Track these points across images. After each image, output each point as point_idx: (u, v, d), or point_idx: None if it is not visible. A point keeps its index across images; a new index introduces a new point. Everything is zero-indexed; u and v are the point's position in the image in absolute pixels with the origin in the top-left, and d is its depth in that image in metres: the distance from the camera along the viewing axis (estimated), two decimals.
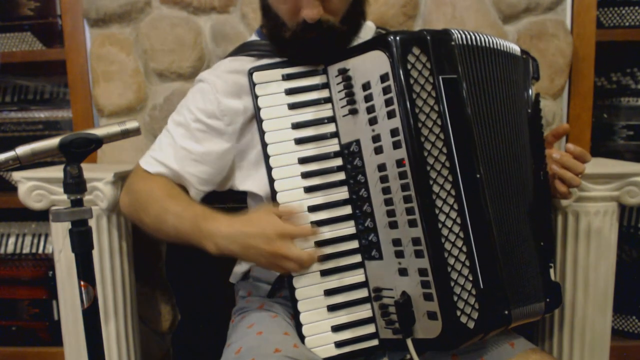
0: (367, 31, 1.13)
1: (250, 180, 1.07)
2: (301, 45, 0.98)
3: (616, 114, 1.71)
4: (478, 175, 0.91)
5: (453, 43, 0.91)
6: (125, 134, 0.87)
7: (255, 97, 0.97)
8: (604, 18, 1.66)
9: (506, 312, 0.91)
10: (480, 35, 0.96)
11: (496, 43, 0.98)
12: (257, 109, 0.97)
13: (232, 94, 1.04)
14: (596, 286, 1.34)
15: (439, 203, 0.86)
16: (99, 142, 0.85)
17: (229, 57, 1.13)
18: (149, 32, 1.53)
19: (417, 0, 1.54)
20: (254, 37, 1.13)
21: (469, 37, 0.94)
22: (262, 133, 0.97)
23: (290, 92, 0.98)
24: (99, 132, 0.85)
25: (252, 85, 0.97)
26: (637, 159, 1.67)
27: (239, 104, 1.04)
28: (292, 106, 0.98)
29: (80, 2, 1.54)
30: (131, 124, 0.88)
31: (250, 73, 0.98)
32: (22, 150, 0.80)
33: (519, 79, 1.02)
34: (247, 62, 1.07)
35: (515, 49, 1.03)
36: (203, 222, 0.95)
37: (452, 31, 0.92)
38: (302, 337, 0.94)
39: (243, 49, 1.12)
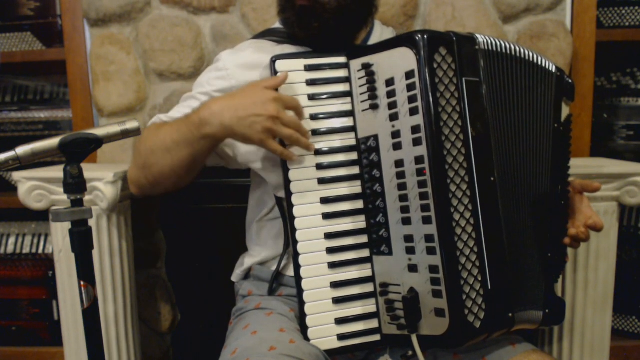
0: (384, 30, 1.15)
1: (256, 158, 1.06)
2: (312, 33, 1.00)
3: (616, 114, 1.71)
4: (492, 179, 0.92)
5: (477, 47, 0.93)
6: (125, 134, 0.87)
7: None
8: (604, 18, 1.65)
9: (510, 314, 0.92)
10: (506, 43, 0.96)
11: (521, 52, 0.98)
12: None
13: (250, 68, 1.05)
14: (596, 286, 1.34)
15: (454, 202, 0.87)
16: (99, 142, 0.85)
17: (252, 39, 1.15)
18: (149, 32, 1.53)
19: (418, 1, 1.54)
20: (277, 25, 1.14)
21: (493, 43, 0.94)
22: None
23: (311, 83, 0.98)
24: (99, 132, 0.85)
25: (274, 73, 0.97)
26: (637, 159, 1.67)
27: (256, 77, 1.04)
28: (312, 97, 0.98)
29: (80, 2, 1.54)
30: (131, 124, 0.88)
31: (273, 61, 0.97)
32: (22, 150, 0.80)
33: (546, 92, 1.02)
34: (269, 45, 1.09)
35: (548, 63, 1.02)
36: (194, 115, 0.96)
37: (477, 36, 0.93)
38: (305, 328, 0.95)
39: (265, 34, 1.13)
